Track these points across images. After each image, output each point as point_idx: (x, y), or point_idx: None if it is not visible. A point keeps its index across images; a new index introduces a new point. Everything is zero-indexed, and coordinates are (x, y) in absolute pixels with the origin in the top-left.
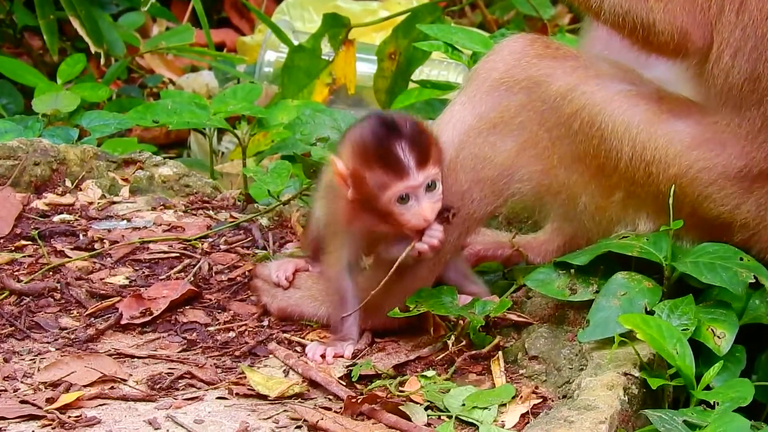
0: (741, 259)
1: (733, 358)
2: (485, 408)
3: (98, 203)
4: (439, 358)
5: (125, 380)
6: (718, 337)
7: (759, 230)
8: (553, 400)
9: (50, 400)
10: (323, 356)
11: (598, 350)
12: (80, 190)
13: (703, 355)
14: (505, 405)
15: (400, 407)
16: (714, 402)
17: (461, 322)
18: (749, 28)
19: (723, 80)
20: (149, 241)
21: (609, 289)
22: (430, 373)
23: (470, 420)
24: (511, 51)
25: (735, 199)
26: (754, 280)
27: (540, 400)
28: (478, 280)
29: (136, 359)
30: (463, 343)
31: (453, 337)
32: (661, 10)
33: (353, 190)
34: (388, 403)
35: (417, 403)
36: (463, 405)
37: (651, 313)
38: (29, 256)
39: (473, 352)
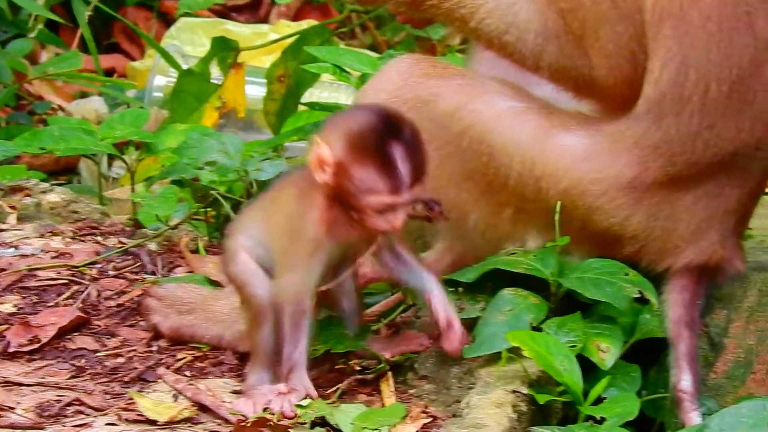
0: (626, 274)
1: (628, 378)
2: (375, 429)
3: None
4: (327, 379)
5: (13, 408)
6: (603, 351)
7: (648, 242)
8: (443, 420)
9: None
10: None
11: (486, 368)
12: None
13: (595, 371)
14: (395, 425)
15: (289, 429)
16: (600, 417)
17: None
18: (684, 39)
19: (651, 91)
20: (37, 268)
21: (495, 305)
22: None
23: None
24: (398, 71)
25: (625, 210)
26: (639, 295)
27: (430, 420)
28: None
29: (24, 387)
30: (353, 361)
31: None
32: (604, 66)
33: (332, 178)
34: (277, 426)
35: (303, 423)
36: (353, 424)
37: (539, 329)
38: None
39: (361, 376)
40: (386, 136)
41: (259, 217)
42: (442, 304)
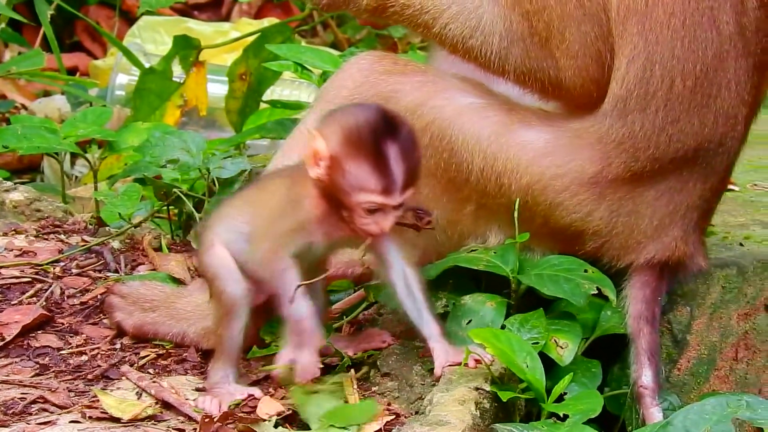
0: (585, 271)
1: (589, 374)
2: (342, 428)
3: None
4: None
5: None
6: (561, 347)
7: (610, 237)
8: (406, 417)
9: None
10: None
11: (449, 365)
12: None
13: (556, 367)
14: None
15: (252, 425)
16: (564, 414)
17: None
18: (650, 35)
19: (617, 88)
20: (0, 267)
21: (455, 317)
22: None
23: None
24: (360, 68)
25: (587, 206)
26: (596, 292)
27: (393, 417)
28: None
29: None
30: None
31: None
32: (571, 67)
33: (325, 172)
34: (243, 421)
35: (265, 420)
36: (321, 421)
37: (503, 326)
38: None
39: (326, 376)
40: (383, 135)
41: (244, 208)
42: (443, 356)
